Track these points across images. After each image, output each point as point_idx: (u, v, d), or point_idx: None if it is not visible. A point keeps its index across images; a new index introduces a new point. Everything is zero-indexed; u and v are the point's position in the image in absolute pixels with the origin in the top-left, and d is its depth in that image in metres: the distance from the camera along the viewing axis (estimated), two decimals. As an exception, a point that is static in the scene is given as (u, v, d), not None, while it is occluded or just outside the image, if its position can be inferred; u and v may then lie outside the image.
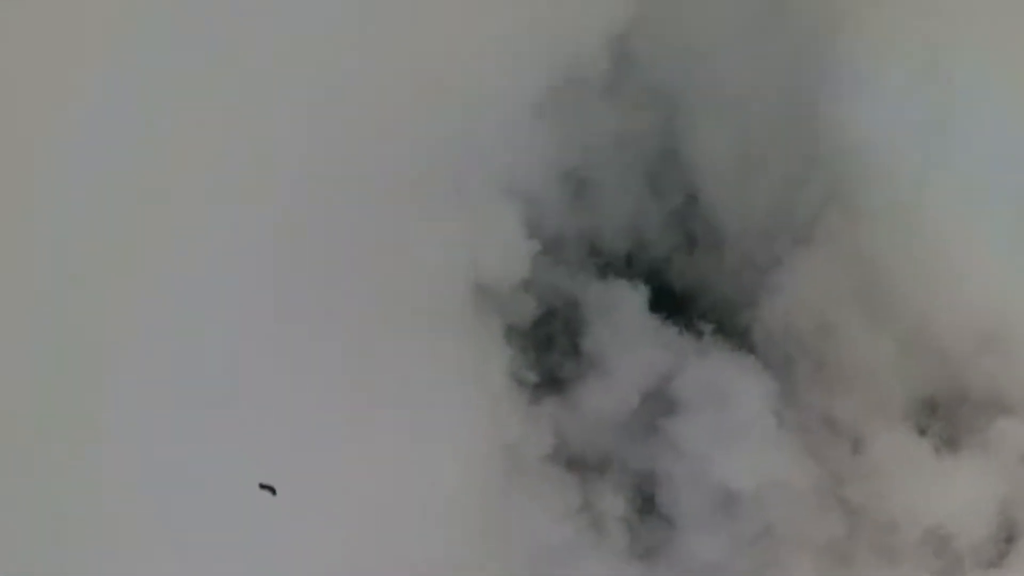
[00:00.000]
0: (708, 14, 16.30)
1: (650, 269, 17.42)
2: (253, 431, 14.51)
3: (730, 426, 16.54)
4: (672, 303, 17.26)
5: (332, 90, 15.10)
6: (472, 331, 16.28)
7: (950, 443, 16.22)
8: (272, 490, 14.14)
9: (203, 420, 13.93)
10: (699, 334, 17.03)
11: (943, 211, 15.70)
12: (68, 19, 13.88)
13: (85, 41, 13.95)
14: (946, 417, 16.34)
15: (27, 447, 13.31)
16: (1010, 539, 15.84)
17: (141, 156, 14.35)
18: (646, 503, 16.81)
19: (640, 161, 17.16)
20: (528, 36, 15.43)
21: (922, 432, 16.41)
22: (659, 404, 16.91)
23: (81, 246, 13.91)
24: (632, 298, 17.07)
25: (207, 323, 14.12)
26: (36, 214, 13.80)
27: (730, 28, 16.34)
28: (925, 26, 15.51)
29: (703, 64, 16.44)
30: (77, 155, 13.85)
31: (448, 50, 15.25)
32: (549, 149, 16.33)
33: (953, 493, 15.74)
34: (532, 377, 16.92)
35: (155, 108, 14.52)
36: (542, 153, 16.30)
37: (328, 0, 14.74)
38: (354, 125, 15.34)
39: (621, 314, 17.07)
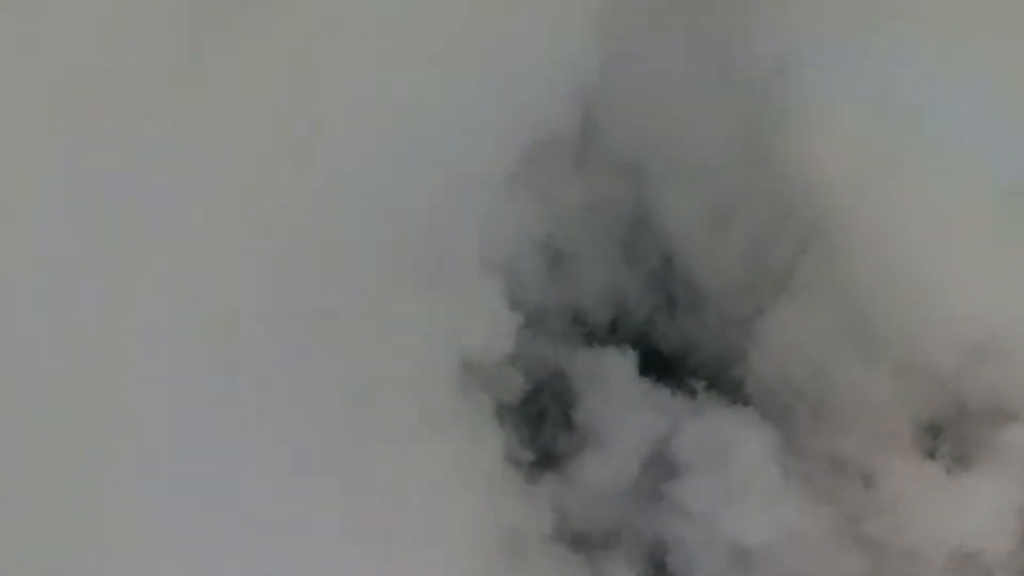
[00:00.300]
0: (668, 74, 16.72)
1: (635, 334, 17.25)
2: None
3: (736, 482, 16.07)
4: (661, 365, 17.02)
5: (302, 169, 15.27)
6: (462, 413, 15.94)
7: (960, 461, 15.82)
8: None
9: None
10: (692, 393, 16.73)
11: (916, 234, 15.80)
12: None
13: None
14: (952, 436, 15.98)
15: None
16: (1035, 545, 15.37)
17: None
18: (658, 572, 16.22)
19: (614, 227, 17.33)
20: (499, 107, 15.70)
21: (931, 455, 16.05)
22: (660, 469, 16.45)
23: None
24: (620, 364, 16.81)
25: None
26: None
27: (690, 86, 16.75)
28: (878, 59, 16.00)
29: (666, 124, 16.79)
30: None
31: (422, 123, 15.51)
32: (524, 220, 16.43)
33: (971, 510, 15.31)
34: (527, 455, 16.52)
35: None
36: (517, 224, 16.39)
37: (302, 71, 15.05)
38: (327, 206, 15.44)
39: (611, 382, 16.77)
